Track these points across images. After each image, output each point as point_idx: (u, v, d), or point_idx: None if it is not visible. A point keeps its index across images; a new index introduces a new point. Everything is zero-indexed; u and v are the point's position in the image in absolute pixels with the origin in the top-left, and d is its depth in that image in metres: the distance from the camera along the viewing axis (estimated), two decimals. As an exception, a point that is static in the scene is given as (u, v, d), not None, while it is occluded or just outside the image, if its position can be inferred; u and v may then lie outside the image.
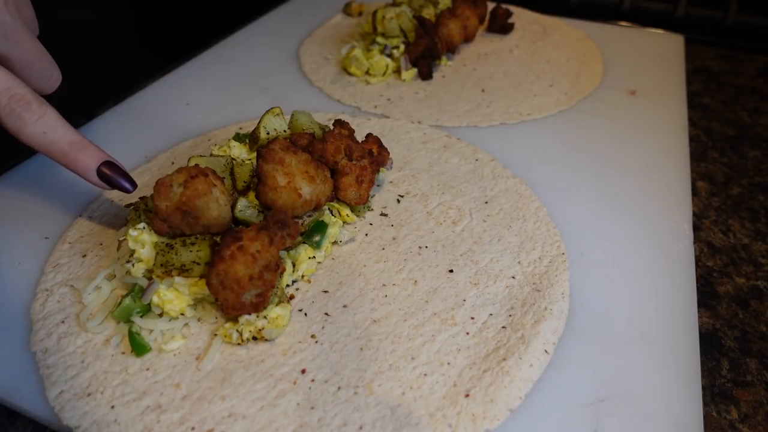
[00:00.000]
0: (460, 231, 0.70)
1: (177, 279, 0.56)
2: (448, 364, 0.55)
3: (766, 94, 1.15)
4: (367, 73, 1.05)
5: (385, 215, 0.73)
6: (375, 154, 0.73)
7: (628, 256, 0.68)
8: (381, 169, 0.78)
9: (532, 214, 0.73)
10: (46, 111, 0.61)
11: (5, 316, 0.60)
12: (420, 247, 0.68)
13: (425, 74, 1.05)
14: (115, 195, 0.76)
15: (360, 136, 0.80)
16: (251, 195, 0.64)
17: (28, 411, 0.52)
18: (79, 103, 1.02)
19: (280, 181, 0.60)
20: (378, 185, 0.78)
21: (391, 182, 0.79)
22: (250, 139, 0.72)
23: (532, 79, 1.07)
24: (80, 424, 0.50)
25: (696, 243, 0.76)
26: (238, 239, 0.52)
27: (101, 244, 0.68)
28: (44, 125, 0.61)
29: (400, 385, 0.53)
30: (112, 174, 0.63)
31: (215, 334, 0.57)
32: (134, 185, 0.64)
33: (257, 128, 0.71)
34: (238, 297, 0.53)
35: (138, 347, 0.55)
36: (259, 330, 0.55)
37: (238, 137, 0.76)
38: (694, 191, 0.86)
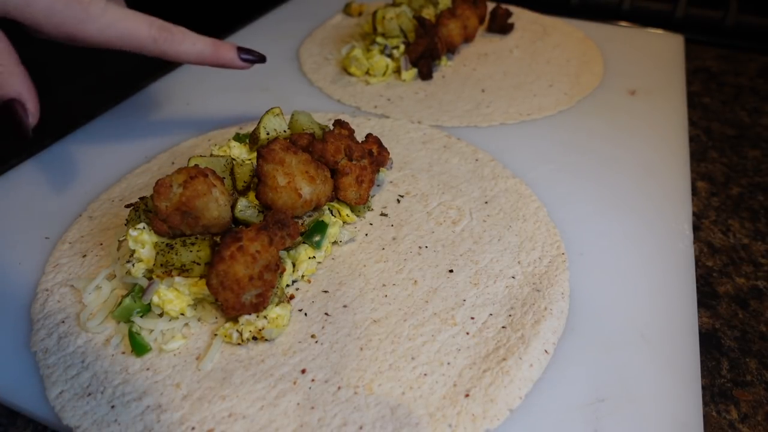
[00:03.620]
0: (460, 231, 0.70)
1: (177, 279, 0.56)
2: (448, 364, 0.55)
3: (766, 94, 1.15)
4: (367, 73, 1.05)
5: (385, 215, 0.73)
6: (375, 154, 0.73)
7: (628, 256, 0.68)
8: (381, 169, 0.78)
9: (532, 214, 0.73)
10: (182, 29, 0.73)
11: (5, 316, 0.60)
12: (420, 247, 0.68)
13: (425, 74, 1.05)
14: (115, 195, 0.76)
15: (360, 136, 0.80)
16: (251, 195, 0.64)
17: (28, 411, 0.52)
18: (79, 103, 1.02)
19: (280, 181, 0.60)
20: (378, 185, 0.78)
21: (391, 182, 0.79)
22: (250, 139, 0.72)
23: (532, 79, 1.07)
24: (80, 423, 0.50)
25: (696, 243, 0.76)
26: (238, 239, 0.52)
27: (101, 244, 0.68)
28: (190, 40, 0.73)
29: (400, 385, 0.53)
30: (248, 55, 0.79)
31: (215, 334, 0.57)
32: (264, 57, 0.81)
33: (257, 128, 0.71)
34: (238, 297, 0.53)
35: (138, 347, 0.55)
36: (259, 330, 0.55)
37: (238, 137, 0.76)
38: (694, 191, 0.86)
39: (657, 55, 1.17)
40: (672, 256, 0.69)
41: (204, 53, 0.75)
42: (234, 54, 0.77)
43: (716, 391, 0.58)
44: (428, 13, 1.13)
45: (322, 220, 0.65)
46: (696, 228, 0.79)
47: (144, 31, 0.69)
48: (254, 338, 0.56)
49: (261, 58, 0.80)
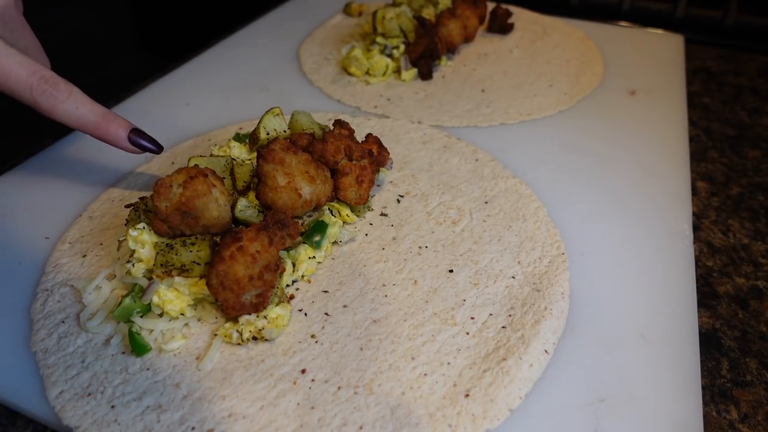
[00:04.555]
0: (460, 231, 0.70)
1: (177, 279, 0.56)
2: (448, 364, 0.55)
3: (766, 94, 1.15)
4: (367, 73, 1.05)
5: (385, 215, 0.73)
6: (375, 154, 0.73)
7: (628, 256, 0.68)
8: (381, 169, 0.78)
9: (532, 214, 0.73)
10: (72, 88, 0.65)
11: (5, 316, 0.60)
12: (420, 247, 0.68)
13: (425, 74, 1.05)
14: (115, 195, 0.76)
15: (360, 136, 0.80)
16: (251, 195, 0.64)
17: (28, 411, 0.52)
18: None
19: (280, 181, 0.60)
20: (378, 185, 0.78)
21: (391, 182, 0.79)
22: (250, 140, 0.72)
23: (532, 79, 1.07)
24: (80, 424, 0.50)
25: (696, 243, 0.76)
26: (237, 240, 0.52)
27: (101, 244, 0.68)
28: (75, 101, 0.65)
29: (400, 385, 0.53)
30: (141, 140, 0.68)
31: (215, 334, 0.57)
32: (160, 147, 0.70)
33: (257, 128, 0.71)
34: (238, 297, 0.53)
35: (138, 347, 0.55)
36: (259, 330, 0.55)
37: (238, 137, 0.76)
38: (694, 191, 0.86)
39: (657, 55, 1.17)
40: (672, 256, 0.69)
41: (86, 120, 0.65)
42: (123, 133, 0.67)
43: (716, 391, 0.58)
44: (428, 13, 1.13)
45: (322, 220, 0.65)
46: (696, 228, 0.79)
47: (22, 76, 0.62)
48: (254, 338, 0.56)
49: (157, 147, 0.70)
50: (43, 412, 0.51)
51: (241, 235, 0.53)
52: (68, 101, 0.64)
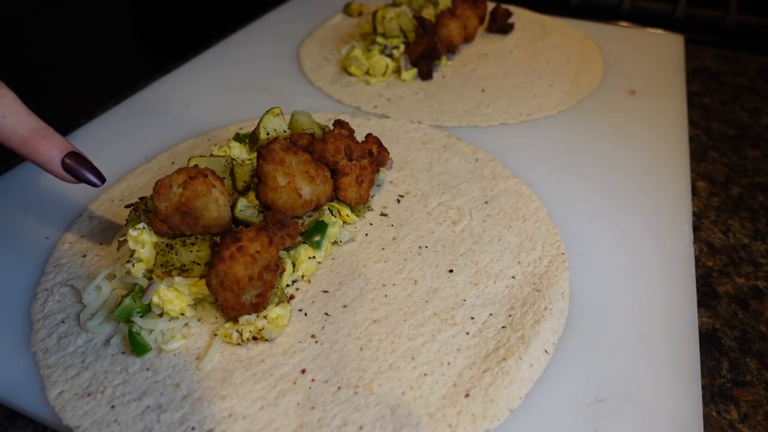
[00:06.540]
0: (460, 231, 0.70)
1: (177, 279, 0.56)
2: (448, 364, 0.55)
3: (766, 94, 1.15)
4: (367, 73, 1.05)
5: (385, 215, 0.73)
6: (375, 154, 0.73)
7: (628, 256, 0.68)
8: (381, 169, 0.78)
9: (532, 214, 0.73)
10: (6, 93, 0.54)
11: (5, 316, 0.60)
12: (420, 247, 0.68)
13: (425, 74, 1.05)
14: (115, 195, 0.76)
15: (360, 136, 0.80)
16: (251, 195, 0.64)
17: (28, 411, 0.52)
18: (79, 102, 1.02)
19: (280, 181, 0.60)
20: (378, 185, 0.78)
21: (391, 182, 0.79)
22: (250, 140, 0.72)
23: (532, 79, 1.07)
24: (80, 424, 0.50)
25: (696, 243, 0.76)
26: (237, 240, 0.52)
27: (101, 244, 0.68)
28: (3, 108, 0.54)
29: (400, 385, 0.53)
30: (78, 166, 0.57)
31: (215, 334, 0.57)
32: (102, 179, 0.59)
33: (257, 128, 0.71)
34: (237, 297, 0.53)
35: (138, 347, 0.55)
36: (259, 330, 0.55)
37: (238, 137, 0.76)
38: (694, 191, 0.86)
39: (657, 55, 1.17)
40: (672, 256, 0.69)
41: (11, 133, 0.54)
42: (56, 155, 0.56)
43: (716, 391, 0.58)
44: (428, 13, 1.13)
45: (322, 220, 0.65)
46: (696, 228, 0.79)
47: None
48: (254, 338, 0.56)
49: (98, 179, 0.59)
50: (43, 412, 0.51)
51: (241, 236, 0.53)
52: None
